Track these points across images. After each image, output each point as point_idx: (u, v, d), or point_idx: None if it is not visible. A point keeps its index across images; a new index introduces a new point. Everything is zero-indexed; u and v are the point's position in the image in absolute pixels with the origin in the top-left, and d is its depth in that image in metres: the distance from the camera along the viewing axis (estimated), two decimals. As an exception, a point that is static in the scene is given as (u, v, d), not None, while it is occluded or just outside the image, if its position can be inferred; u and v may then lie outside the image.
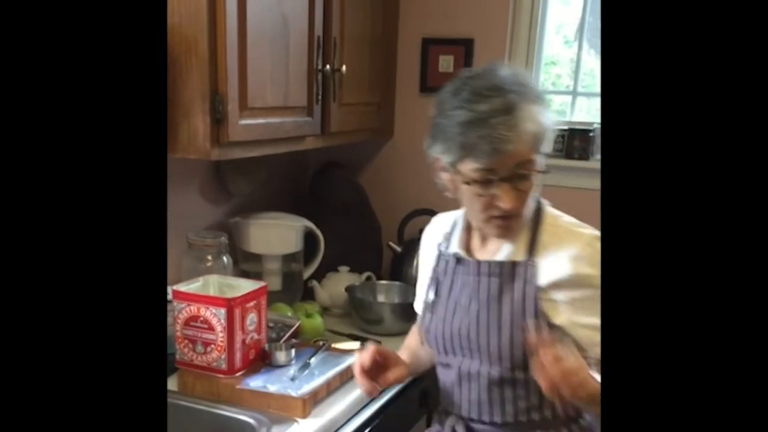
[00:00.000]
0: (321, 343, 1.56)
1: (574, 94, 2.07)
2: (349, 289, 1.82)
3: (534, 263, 1.15)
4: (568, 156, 1.98)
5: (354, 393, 1.42)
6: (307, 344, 1.57)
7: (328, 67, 1.67)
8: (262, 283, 1.46)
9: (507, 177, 1.09)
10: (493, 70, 1.11)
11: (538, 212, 1.21)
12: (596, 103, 2.08)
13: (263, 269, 1.81)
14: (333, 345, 1.57)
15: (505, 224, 1.14)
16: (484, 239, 1.23)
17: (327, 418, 1.32)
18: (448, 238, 1.29)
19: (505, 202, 1.10)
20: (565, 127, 1.99)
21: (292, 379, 1.37)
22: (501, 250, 1.19)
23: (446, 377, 1.28)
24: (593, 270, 1.09)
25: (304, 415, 1.30)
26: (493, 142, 1.05)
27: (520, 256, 1.17)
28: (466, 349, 1.21)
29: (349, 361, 1.47)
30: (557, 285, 1.13)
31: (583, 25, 2.02)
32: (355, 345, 1.62)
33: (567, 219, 1.21)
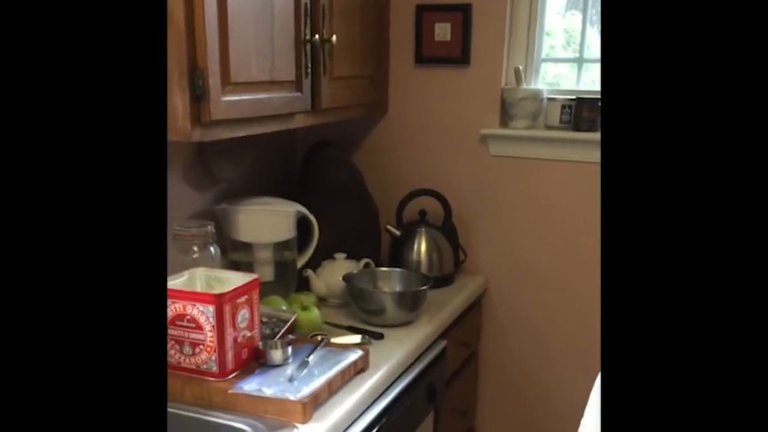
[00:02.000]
0: (320, 338, 1.44)
1: (580, 61, 1.95)
2: (347, 278, 1.70)
3: None
4: (576, 128, 1.86)
5: (358, 392, 1.31)
6: (305, 340, 1.45)
7: (317, 37, 1.53)
8: (253, 276, 1.34)
9: None
10: None
11: None
12: (589, 74, 1.95)
13: (254, 259, 1.69)
14: (332, 339, 1.45)
15: None
16: None
17: (330, 421, 1.21)
18: None
19: None
20: (573, 97, 1.87)
21: (290, 380, 1.25)
22: None
23: None
24: None
25: (305, 420, 1.18)
26: None
27: None
28: None
29: (351, 357, 1.35)
30: None
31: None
32: (355, 338, 1.50)
33: None
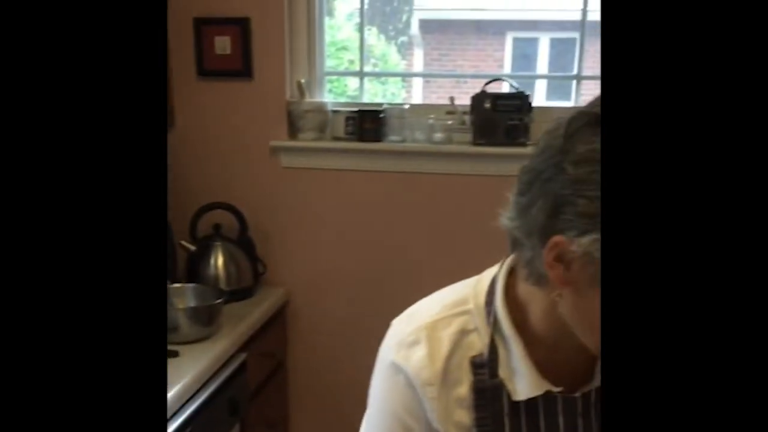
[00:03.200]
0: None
1: (361, 75, 2.06)
2: (137, 299, 1.64)
3: None
4: (361, 138, 1.95)
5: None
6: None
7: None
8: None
9: None
10: None
11: None
12: (389, 87, 2.09)
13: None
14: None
15: None
16: (566, 362, 0.79)
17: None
18: (487, 366, 0.81)
19: None
20: (356, 110, 1.97)
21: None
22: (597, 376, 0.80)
23: None
24: None
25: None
26: None
27: None
28: None
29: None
30: None
31: (363, 6, 2.01)
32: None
33: None
